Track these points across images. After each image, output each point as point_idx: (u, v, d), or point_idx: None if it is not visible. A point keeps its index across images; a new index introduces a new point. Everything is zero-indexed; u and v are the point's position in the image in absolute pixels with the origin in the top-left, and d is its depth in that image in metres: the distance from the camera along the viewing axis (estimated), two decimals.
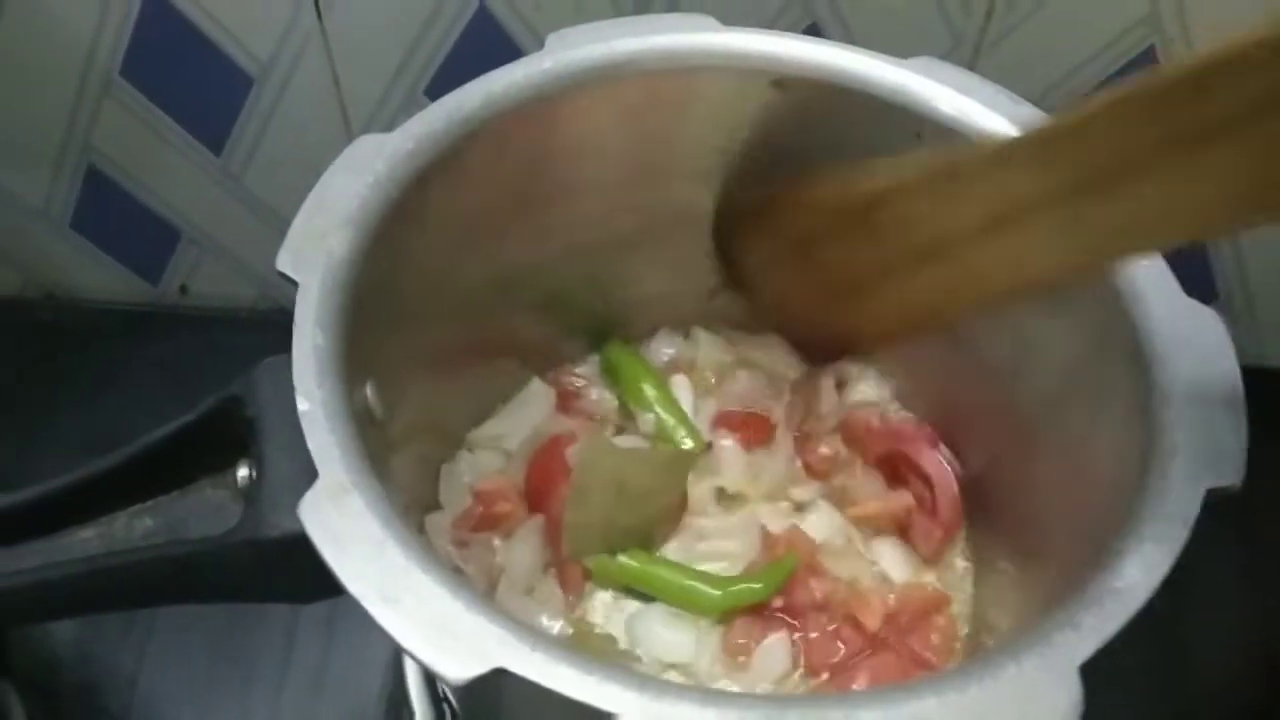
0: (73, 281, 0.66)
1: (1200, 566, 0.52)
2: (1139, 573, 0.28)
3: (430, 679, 0.49)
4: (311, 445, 0.28)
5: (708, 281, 0.50)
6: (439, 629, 0.25)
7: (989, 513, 0.45)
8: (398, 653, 0.51)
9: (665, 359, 0.50)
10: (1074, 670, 0.26)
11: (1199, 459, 0.30)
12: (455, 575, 0.27)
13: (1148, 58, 0.50)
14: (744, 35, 0.41)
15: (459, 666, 0.25)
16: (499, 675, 0.25)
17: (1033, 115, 0.39)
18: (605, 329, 0.51)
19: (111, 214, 0.61)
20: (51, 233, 0.63)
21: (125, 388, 0.63)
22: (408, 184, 0.36)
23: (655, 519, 0.44)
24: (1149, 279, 0.35)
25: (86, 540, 0.34)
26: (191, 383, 0.60)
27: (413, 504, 0.41)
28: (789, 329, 0.50)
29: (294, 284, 0.32)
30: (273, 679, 0.52)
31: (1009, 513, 0.43)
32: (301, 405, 0.29)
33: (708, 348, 0.50)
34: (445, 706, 0.48)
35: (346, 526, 0.27)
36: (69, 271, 0.65)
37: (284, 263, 0.32)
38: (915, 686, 0.26)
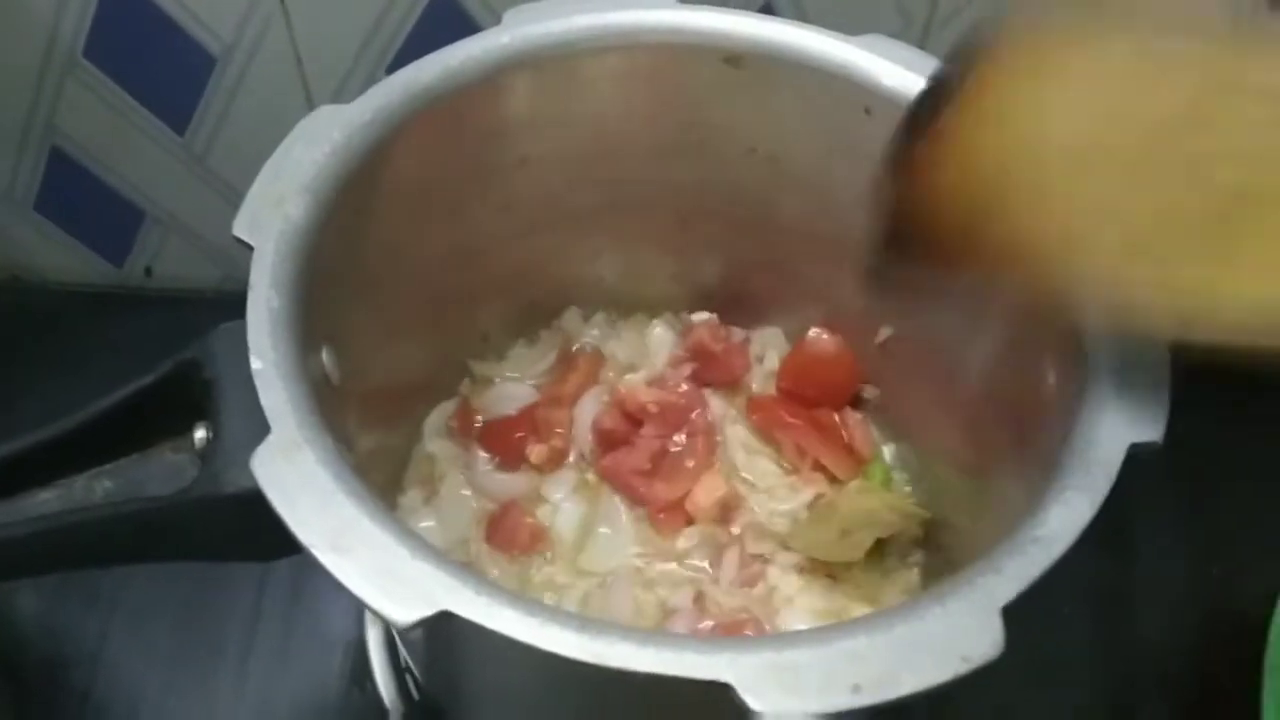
0: (37, 263, 0.66)
1: (1147, 535, 0.55)
2: (1061, 521, 0.29)
3: (393, 650, 0.50)
4: (264, 402, 0.29)
5: (666, 260, 0.52)
6: (387, 575, 0.26)
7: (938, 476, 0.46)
8: (361, 626, 0.51)
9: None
10: (996, 612, 0.27)
11: (1123, 414, 0.31)
12: (403, 525, 0.28)
13: None
14: (698, 13, 0.42)
15: (405, 610, 0.26)
16: (445, 619, 0.26)
17: None
18: (563, 306, 0.53)
19: (75, 195, 0.62)
20: (15, 215, 0.63)
21: (90, 370, 0.62)
22: (364, 154, 0.36)
23: None
24: None
25: (45, 501, 0.34)
26: (157, 365, 0.62)
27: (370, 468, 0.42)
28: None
29: (249, 248, 0.33)
30: (237, 652, 0.52)
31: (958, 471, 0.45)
32: (255, 364, 0.30)
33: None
34: (408, 676, 0.48)
35: (298, 480, 0.28)
36: (33, 254, 0.65)
37: (240, 227, 0.33)
38: (847, 626, 0.27)
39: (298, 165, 0.35)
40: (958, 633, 0.26)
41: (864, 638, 0.26)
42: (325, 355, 0.35)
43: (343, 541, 0.27)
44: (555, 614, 0.26)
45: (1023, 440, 0.38)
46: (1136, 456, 0.31)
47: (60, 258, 0.65)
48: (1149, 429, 0.31)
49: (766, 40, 0.42)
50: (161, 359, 0.63)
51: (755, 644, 0.27)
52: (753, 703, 0.25)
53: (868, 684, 0.25)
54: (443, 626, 0.26)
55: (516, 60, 0.41)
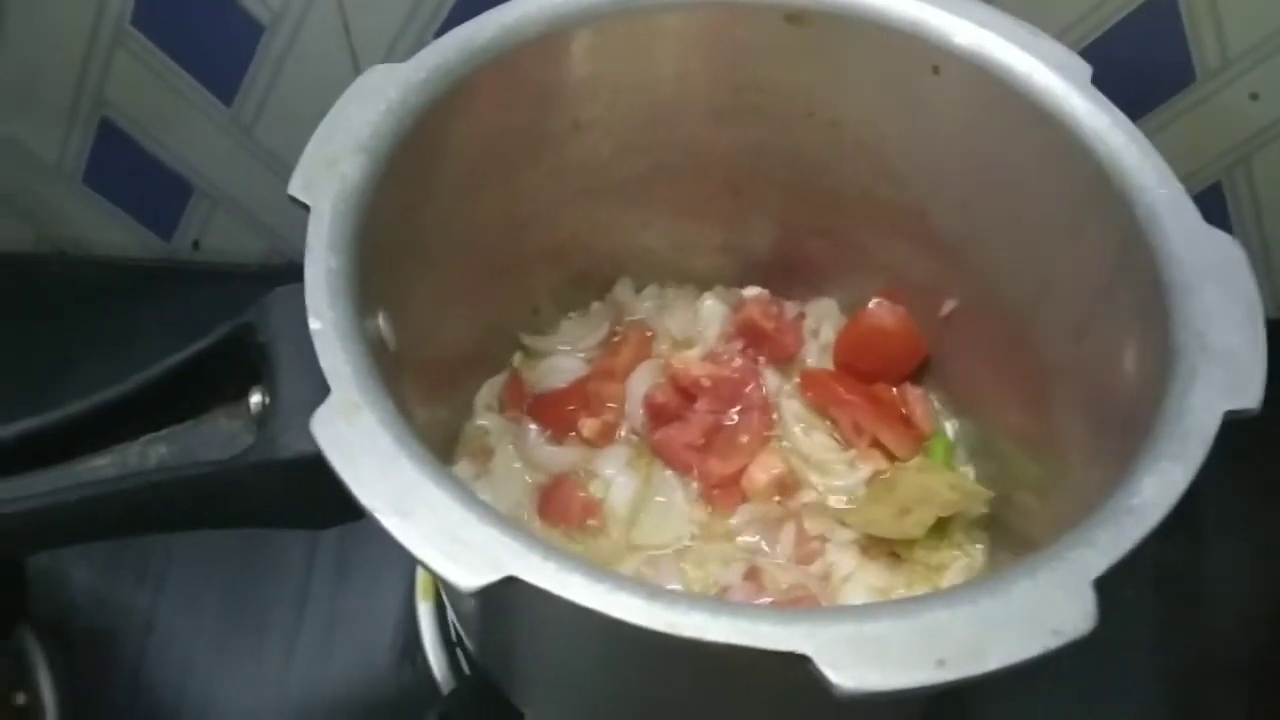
0: (85, 237, 0.66)
1: (1215, 520, 0.53)
2: (1155, 491, 0.27)
3: (444, 624, 0.49)
4: (324, 364, 0.28)
5: (717, 229, 0.50)
6: (451, 539, 0.25)
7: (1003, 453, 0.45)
8: (411, 599, 0.51)
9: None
10: (1088, 585, 0.26)
11: (1217, 382, 0.30)
12: (467, 488, 0.27)
13: (1166, 2, 0.49)
14: None
15: (470, 575, 0.25)
16: (510, 584, 0.25)
17: (1054, 49, 0.39)
18: (614, 277, 0.52)
19: (124, 169, 0.61)
20: (64, 188, 0.63)
21: (137, 344, 0.61)
22: (420, 113, 0.35)
23: None
24: (1168, 205, 0.34)
25: (100, 467, 0.34)
26: (204, 337, 0.62)
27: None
28: None
29: (305, 208, 0.32)
30: (286, 626, 0.52)
31: (1025, 447, 0.43)
32: (313, 324, 0.29)
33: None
34: (459, 650, 0.48)
35: (359, 442, 0.27)
36: (81, 227, 0.65)
37: (296, 187, 0.32)
38: (929, 598, 0.26)
39: (352, 125, 0.34)
40: (1047, 606, 0.25)
41: (948, 611, 0.25)
42: (382, 320, 0.34)
43: (405, 504, 0.26)
44: (625, 581, 0.25)
45: (1100, 413, 0.37)
46: (1230, 425, 0.29)
47: (108, 232, 0.65)
48: (1245, 396, 0.29)
49: None
50: (209, 332, 0.63)
51: (835, 615, 0.25)
52: (833, 676, 0.24)
53: (953, 658, 0.24)
54: (504, 593, 0.25)
55: (574, 18, 0.40)
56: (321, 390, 0.31)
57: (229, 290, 0.65)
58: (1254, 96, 0.53)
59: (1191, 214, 0.34)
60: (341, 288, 0.31)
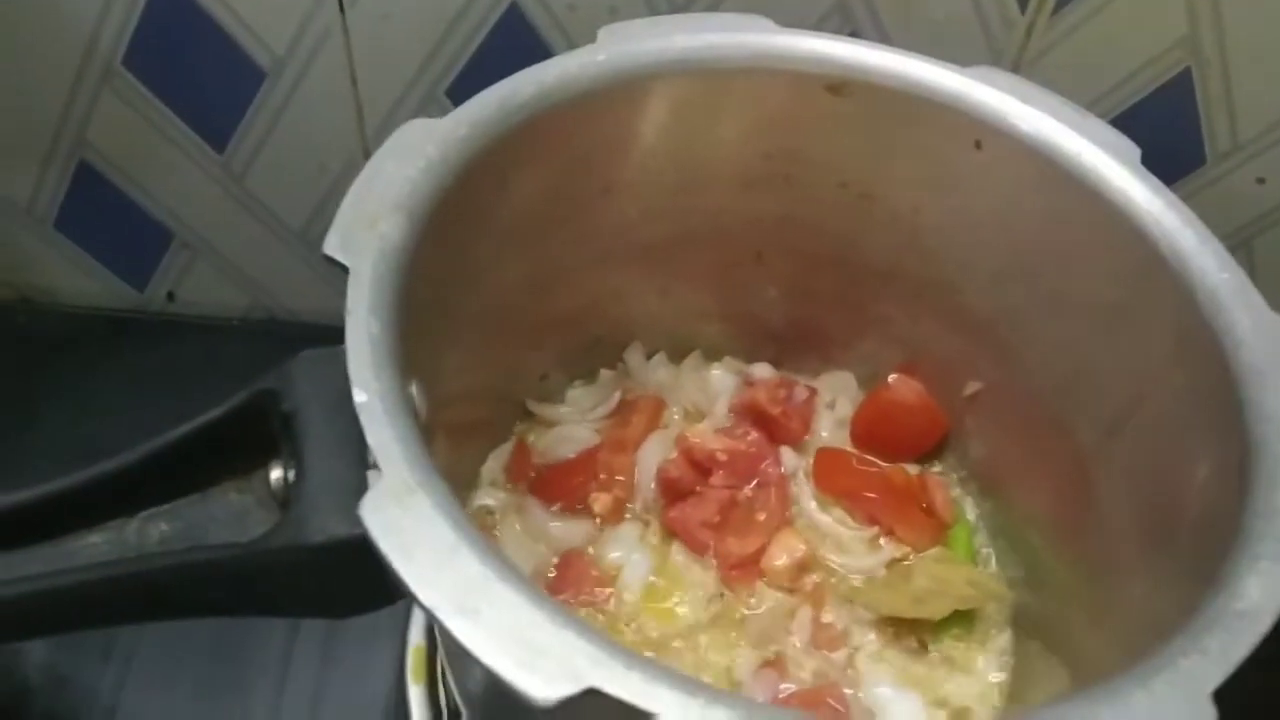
0: (53, 285, 0.62)
1: None
2: (1261, 594, 0.26)
3: (437, 708, 0.46)
4: (371, 441, 0.26)
5: (735, 295, 0.49)
6: (523, 643, 0.23)
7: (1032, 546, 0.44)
8: (402, 681, 0.47)
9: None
10: (1207, 697, 0.24)
11: None
12: (535, 585, 0.24)
13: (1184, 79, 0.50)
14: (802, 37, 0.40)
15: (547, 686, 0.22)
16: (590, 696, 0.22)
17: (1101, 129, 0.38)
18: (625, 344, 0.50)
19: (100, 214, 0.58)
20: (32, 232, 0.59)
21: (106, 397, 0.59)
22: (460, 170, 0.33)
23: None
24: (1231, 290, 0.34)
25: (94, 545, 0.31)
26: (177, 394, 0.58)
27: None
28: None
29: (343, 269, 0.30)
30: (266, 710, 0.48)
31: (1058, 540, 0.42)
32: (358, 397, 0.27)
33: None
34: None
35: (415, 530, 0.24)
36: (48, 274, 0.61)
37: (333, 246, 0.30)
38: (1036, 712, 0.24)
39: (390, 182, 0.32)
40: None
41: None
42: (415, 390, 0.31)
43: (470, 602, 0.23)
44: (721, 695, 0.22)
45: (1152, 507, 0.35)
46: None
47: (77, 279, 0.61)
48: None
49: (874, 68, 0.40)
50: (182, 388, 0.59)
51: None
52: None
53: None
54: (582, 701, 0.23)
55: (611, 80, 0.38)
56: (356, 466, 0.29)
57: (205, 344, 0.62)
58: (1260, 181, 0.53)
59: (1256, 300, 0.33)
60: (384, 356, 0.28)
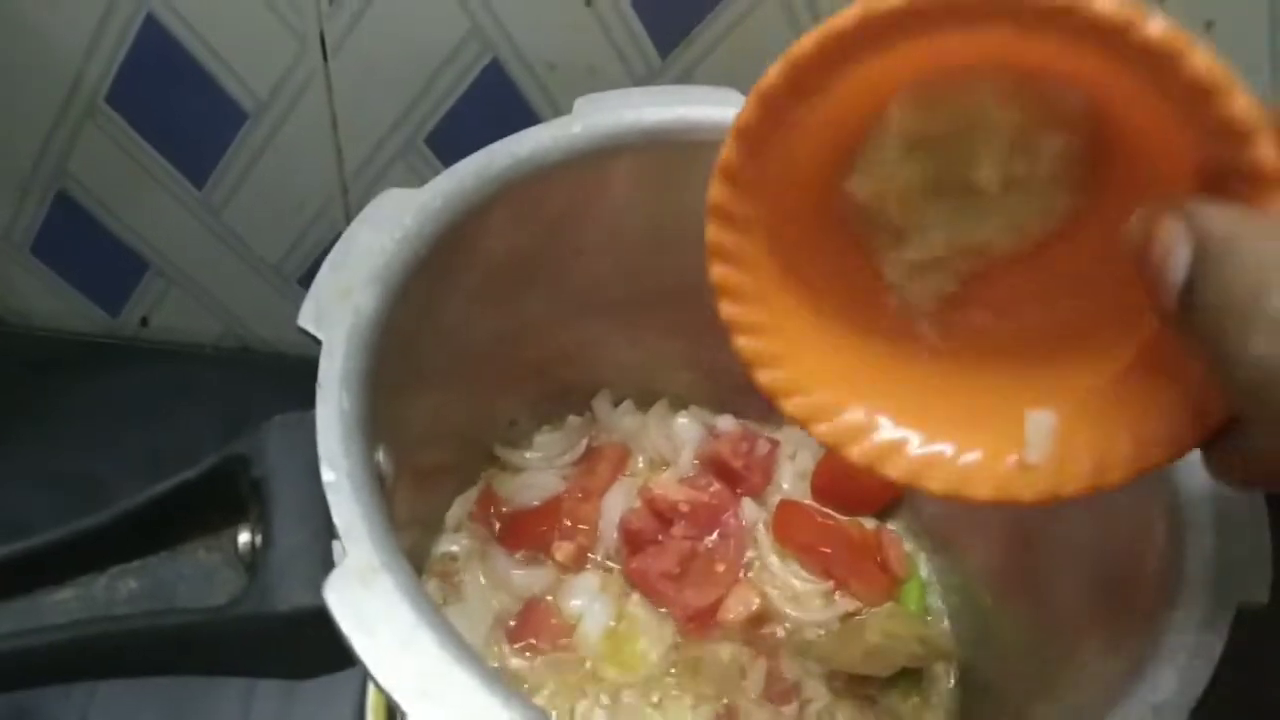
0: (26, 307, 0.62)
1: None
2: (1179, 685, 0.27)
3: None
4: (338, 520, 0.27)
5: (704, 349, 0.50)
6: None
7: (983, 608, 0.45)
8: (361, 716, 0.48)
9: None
10: None
11: (1228, 575, 0.30)
12: (490, 669, 0.25)
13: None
14: None
15: None
16: None
17: None
18: (593, 392, 0.51)
19: (77, 242, 0.59)
20: (8, 258, 0.60)
21: (78, 422, 0.60)
22: (435, 241, 0.34)
23: None
24: None
25: (63, 602, 0.31)
26: (148, 419, 0.59)
27: None
28: None
29: (317, 341, 0.31)
30: None
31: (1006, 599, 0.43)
32: (326, 475, 0.28)
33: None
34: None
35: (377, 611, 0.25)
36: (22, 297, 0.62)
37: (307, 319, 0.31)
38: None
39: (366, 253, 0.33)
40: None
41: None
42: (381, 455, 0.32)
43: (431, 687, 0.24)
44: None
45: (1093, 576, 0.37)
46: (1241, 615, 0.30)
47: (51, 303, 0.62)
48: (1256, 589, 0.30)
49: None
50: (153, 413, 0.60)
51: None
52: None
53: None
54: None
55: (587, 151, 0.39)
56: (322, 537, 0.30)
57: (177, 370, 0.63)
58: None
59: None
60: (354, 429, 0.29)
